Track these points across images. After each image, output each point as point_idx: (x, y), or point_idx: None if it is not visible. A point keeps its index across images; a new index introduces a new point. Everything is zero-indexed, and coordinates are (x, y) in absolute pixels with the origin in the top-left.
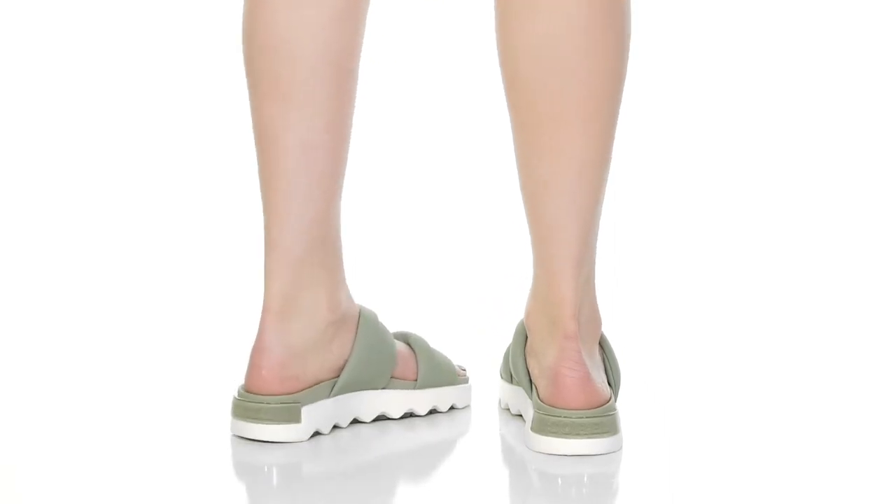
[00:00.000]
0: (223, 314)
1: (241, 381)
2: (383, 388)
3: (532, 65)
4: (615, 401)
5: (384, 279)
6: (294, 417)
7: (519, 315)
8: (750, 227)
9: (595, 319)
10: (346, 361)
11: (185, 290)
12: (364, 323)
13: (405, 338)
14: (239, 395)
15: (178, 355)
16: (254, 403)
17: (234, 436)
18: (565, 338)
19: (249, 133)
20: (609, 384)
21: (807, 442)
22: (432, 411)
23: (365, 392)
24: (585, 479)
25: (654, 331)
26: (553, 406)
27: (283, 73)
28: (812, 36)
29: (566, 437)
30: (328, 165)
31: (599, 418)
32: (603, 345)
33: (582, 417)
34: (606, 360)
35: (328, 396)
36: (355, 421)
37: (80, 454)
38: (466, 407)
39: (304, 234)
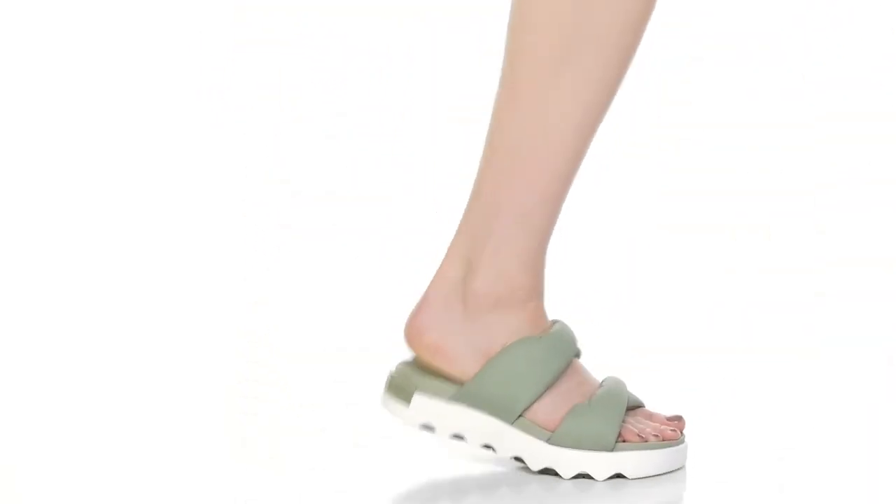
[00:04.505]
0: (222, 312)
1: None
2: (510, 424)
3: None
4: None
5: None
6: (405, 398)
7: None
8: (749, 226)
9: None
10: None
11: (182, 288)
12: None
13: None
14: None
15: (178, 353)
16: (394, 367)
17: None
18: None
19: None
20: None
21: (807, 442)
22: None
23: (489, 417)
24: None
25: (654, 330)
26: None
27: None
28: (812, 36)
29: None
30: None
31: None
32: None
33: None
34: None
35: (447, 400)
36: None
37: (80, 454)
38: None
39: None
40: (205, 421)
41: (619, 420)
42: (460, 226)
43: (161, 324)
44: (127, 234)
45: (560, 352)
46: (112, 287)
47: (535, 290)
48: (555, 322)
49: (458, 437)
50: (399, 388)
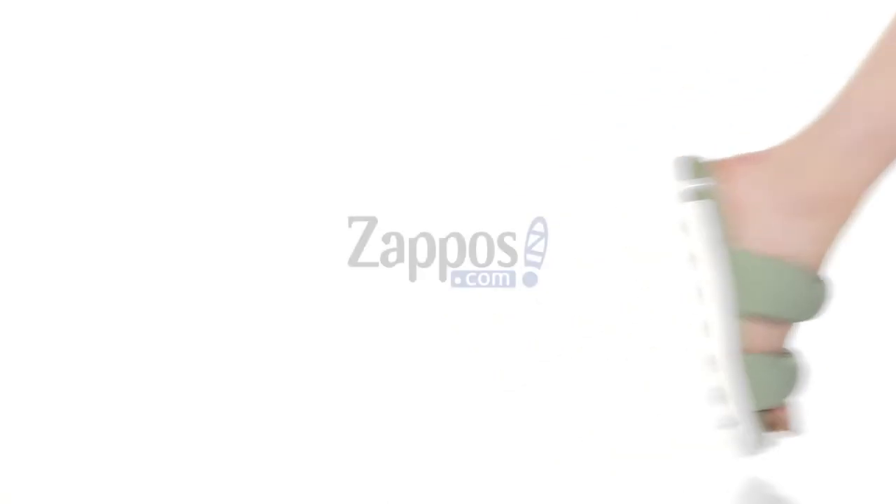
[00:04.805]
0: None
1: None
2: (733, 310)
3: None
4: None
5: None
6: (700, 193)
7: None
8: None
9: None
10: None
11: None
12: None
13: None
14: None
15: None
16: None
17: None
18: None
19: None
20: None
21: (808, 442)
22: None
23: (725, 282)
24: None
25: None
26: None
27: None
28: (812, 37)
29: None
30: None
31: None
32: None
33: None
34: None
35: (714, 240)
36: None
37: (80, 454)
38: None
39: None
40: (212, 421)
41: (782, 401)
42: (820, 118)
43: (164, 324)
44: (126, 234)
45: (812, 307)
46: (112, 287)
47: (841, 218)
48: (825, 280)
49: (691, 257)
50: (703, 174)
